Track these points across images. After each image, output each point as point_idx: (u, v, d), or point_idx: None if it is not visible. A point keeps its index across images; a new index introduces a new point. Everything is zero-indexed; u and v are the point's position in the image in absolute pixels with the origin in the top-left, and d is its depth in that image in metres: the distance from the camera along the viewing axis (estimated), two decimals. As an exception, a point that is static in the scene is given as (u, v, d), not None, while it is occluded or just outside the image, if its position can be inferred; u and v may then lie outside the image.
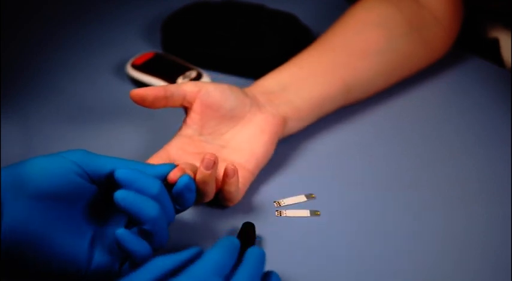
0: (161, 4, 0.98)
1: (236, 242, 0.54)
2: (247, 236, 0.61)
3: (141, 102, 0.65)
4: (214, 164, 0.61)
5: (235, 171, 0.62)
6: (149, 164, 0.59)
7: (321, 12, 0.97)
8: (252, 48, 0.86)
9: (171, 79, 0.81)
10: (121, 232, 0.54)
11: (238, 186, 0.64)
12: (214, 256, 0.51)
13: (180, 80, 0.81)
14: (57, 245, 0.54)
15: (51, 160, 0.55)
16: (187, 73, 0.82)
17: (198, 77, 0.81)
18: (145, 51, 0.86)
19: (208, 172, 0.61)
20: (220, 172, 0.64)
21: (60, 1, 0.99)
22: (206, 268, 0.50)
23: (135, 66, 0.83)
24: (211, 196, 0.63)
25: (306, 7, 0.97)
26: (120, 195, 0.54)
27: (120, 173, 0.56)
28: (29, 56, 0.89)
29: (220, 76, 0.85)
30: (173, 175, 0.59)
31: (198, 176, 0.61)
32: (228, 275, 0.51)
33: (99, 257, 0.56)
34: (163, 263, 0.50)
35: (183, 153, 0.66)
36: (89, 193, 0.56)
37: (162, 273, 0.50)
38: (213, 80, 0.83)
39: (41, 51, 0.90)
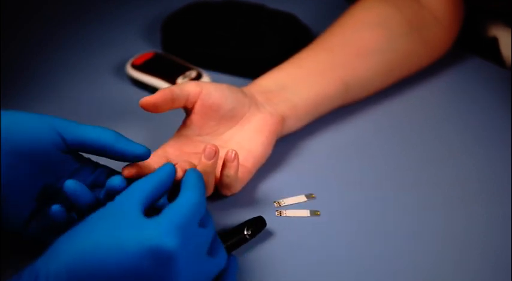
0: (161, 4, 0.98)
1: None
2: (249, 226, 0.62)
3: (154, 110, 0.64)
4: (216, 154, 0.61)
5: (236, 155, 0.63)
6: (127, 141, 0.59)
7: (320, 12, 0.97)
8: (252, 48, 0.86)
9: (171, 79, 0.81)
10: (69, 183, 0.56)
11: (238, 172, 0.64)
12: (194, 200, 0.54)
13: (180, 80, 0.81)
14: (6, 204, 0.56)
15: (37, 121, 0.56)
16: (187, 73, 0.82)
17: (198, 77, 0.81)
18: (145, 51, 0.86)
19: (210, 162, 0.61)
20: (219, 168, 0.64)
21: (60, 1, 0.99)
22: (187, 215, 0.52)
23: (135, 66, 0.83)
24: (210, 189, 0.64)
25: (306, 7, 0.97)
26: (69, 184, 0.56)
27: (68, 185, 0.56)
28: (29, 56, 0.89)
29: (220, 76, 0.85)
30: (178, 174, 0.59)
31: (199, 167, 0.61)
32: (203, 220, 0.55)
33: (34, 228, 0.58)
34: (143, 185, 0.54)
35: (181, 153, 0.66)
36: (58, 164, 0.58)
37: (145, 196, 0.53)
38: (213, 80, 0.83)
39: (41, 51, 0.90)
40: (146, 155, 0.59)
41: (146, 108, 0.64)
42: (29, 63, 0.87)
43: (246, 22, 0.89)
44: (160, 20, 0.93)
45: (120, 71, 0.85)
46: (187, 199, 0.54)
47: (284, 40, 0.87)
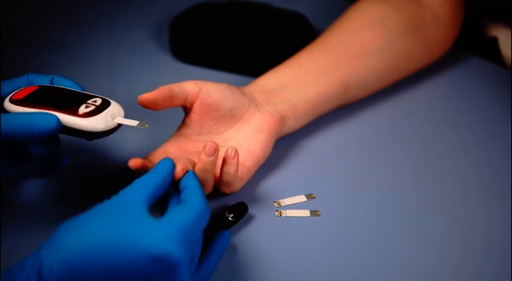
0: (169, 4, 0.98)
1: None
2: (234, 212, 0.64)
3: (153, 107, 0.64)
4: (216, 151, 0.61)
5: (236, 152, 0.63)
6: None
7: (321, 12, 0.97)
8: (260, 47, 0.86)
9: (71, 109, 0.61)
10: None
11: (238, 169, 0.64)
12: (202, 208, 0.55)
13: (83, 108, 0.61)
14: None
15: None
16: (90, 101, 0.62)
17: (105, 102, 0.62)
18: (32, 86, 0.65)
19: (210, 159, 0.61)
20: (218, 167, 0.64)
21: (70, 4, 0.99)
22: (194, 223, 0.53)
23: (15, 101, 0.61)
24: (210, 187, 0.64)
25: (311, 6, 0.97)
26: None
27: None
28: (35, 57, 0.89)
29: (228, 76, 0.85)
30: (178, 173, 0.60)
31: (199, 164, 0.62)
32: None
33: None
34: (148, 182, 0.55)
35: (181, 151, 0.66)
36: None
37: (148, 193, 0.54)
38: (221, 80, 0.82)
39: (47, 53, 0.90)
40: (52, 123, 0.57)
41: (144, 104, 0.64)
42: (35, 64, 0.87)
43: (254, 21, 0.90)
44: (168, 20, 0.93)
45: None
46: (196, 206, 0.55)
47: (292, 39, 0.87)
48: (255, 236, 0.63)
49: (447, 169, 0.72)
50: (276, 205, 0.67)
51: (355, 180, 0.71)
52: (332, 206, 0.67)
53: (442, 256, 0.63)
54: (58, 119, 0.58)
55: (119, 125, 0.61)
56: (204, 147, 0.61)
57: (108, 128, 0.60)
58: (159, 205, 0.60)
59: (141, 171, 0.61)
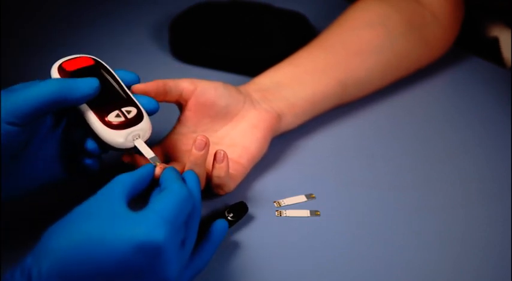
0: (169, 4, 0.98)
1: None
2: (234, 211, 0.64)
3: None
4: (206, 145, 0.61)
5: (225, 156, 0.63)
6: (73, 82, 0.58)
7: (321, 11, 0.97)
8: (260, 47, 0.86)
9: (102, 112, 0.60)
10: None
11: (228, 172, 0.64)
12: (183, 193, 0.54)
13: (112, 116, 0.60)
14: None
15: None
16: (125, 109, 0.61)
17: (138, 116, 0.61)
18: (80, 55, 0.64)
19: (200, 152, 0.61)
20: (209, 164, 0.64)
21: (71, 5, 0.99)
22: (175, 207, 0.53)
23: (63, 71, 0.60)
24: (203, 182, 0.64)
25: (311, 6, 0.97)
26: None
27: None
28: (34, 58, 0.89)
29: (228, 76, 0.85)
30: (157, 171, 0.59)
31: (191, 158, 0.62)
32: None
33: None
34: (124, 179, 0.54)
35: (177, 150, 0.67)
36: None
37: (126, 189, 0.54)
38: (221, 80, 0.83)
39: (46, 53, 0.90)
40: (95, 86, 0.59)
41: (135, 93, 0.64)
42: (35, 64, 0.87)
43: (254, 21, 0.90)
44: (168, 20, 0.93)
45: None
46: (175, 191, 0.54)
47: (292, 39, 0.87)
48: (255, 236, 0.64)
49: (447, 169, 0.72)
50: (276, 205, 0.67)
51: (355, 180, 0.71)
52: (332, 206, 0.67)
53: (442, 256, 0.63)
54: (99, 82, 0.59)
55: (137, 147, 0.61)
56: (195, 141, 0.61)
57: (124, 147, 0.60)
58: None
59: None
